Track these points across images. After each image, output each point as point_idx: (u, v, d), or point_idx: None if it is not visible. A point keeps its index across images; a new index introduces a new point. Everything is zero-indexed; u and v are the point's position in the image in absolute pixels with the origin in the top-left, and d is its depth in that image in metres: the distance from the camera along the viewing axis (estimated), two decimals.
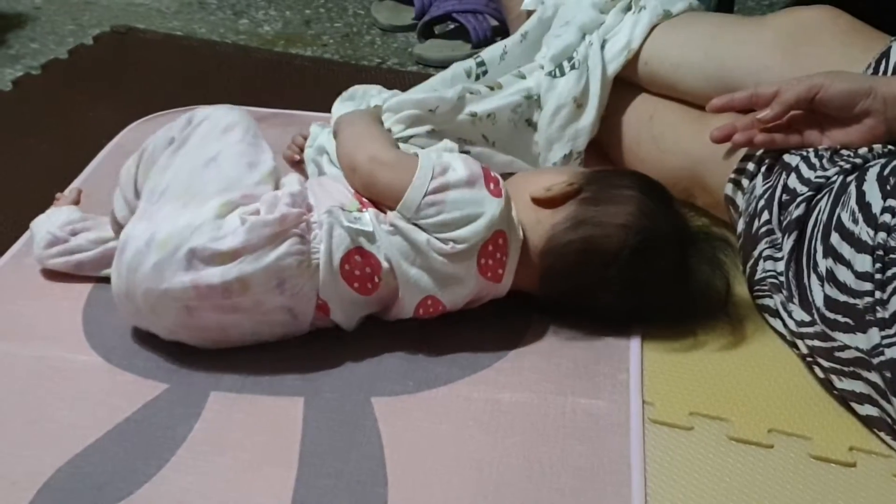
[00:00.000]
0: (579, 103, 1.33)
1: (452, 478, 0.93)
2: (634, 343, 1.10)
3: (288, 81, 1.78)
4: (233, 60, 1.87)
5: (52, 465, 0.92)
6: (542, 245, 1.07)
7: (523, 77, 1.36)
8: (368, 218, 1.03)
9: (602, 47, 1.35)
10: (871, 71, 1.15)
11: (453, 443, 0.97)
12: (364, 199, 1.06)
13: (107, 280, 1.10)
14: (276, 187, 1.05)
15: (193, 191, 1.02)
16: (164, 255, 0.97)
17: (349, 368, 1.05)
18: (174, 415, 0.99)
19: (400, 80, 1.75)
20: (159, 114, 1.57)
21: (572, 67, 1.34)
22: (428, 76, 1.80)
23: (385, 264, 1.03)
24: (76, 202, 1.27)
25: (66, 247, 1.17)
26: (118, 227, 1.12)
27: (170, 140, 1.09)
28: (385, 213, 1.04)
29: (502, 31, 1.89)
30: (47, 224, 1.18)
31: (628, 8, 1.39)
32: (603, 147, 1.45)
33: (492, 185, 1.05)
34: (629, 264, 1.05)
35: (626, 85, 1.38)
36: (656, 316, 1.11)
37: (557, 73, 1.34)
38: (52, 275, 1.18)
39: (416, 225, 1.03)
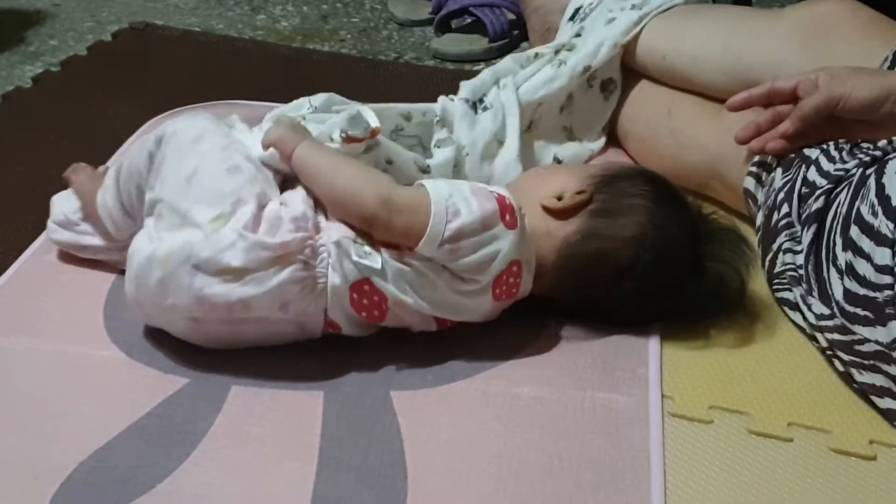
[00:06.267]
0: (499, 140, 1.35)
1: (471, 472, 0.93)
2: (653, 337, 1.10)
3: (305, 77, 1.78)
4: (250, 56, 1.87)
5: (74, 460, 0.93)
6: (554, 258, 1.06)
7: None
8: (380, 258, 1.00)
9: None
10: (888, 64, 1.15)
11: (472, 437, 0.97)
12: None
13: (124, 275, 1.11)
14: (262, 190, 1.01)
15: (183, 209, 0.99)
16: (167, 272, 0.97)
17: (368, 363, 1.06)
18: (195, 409, 0.99)
19: (417, 75, 1.76)
20: (178, 109, 1.57)
21: (484, 109, 1.36)
22: (445, 70, 1.82)
23: (394, 298, 1.01)
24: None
25: (75, 230, 1.18)
26: (112, 226, 1.13)
27: (148, 155, 1.05)
28: (399, 249, 1.00)
29: (519, 25, 1.89)
30: (64, 204, 1.20)
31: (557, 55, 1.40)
32: (620, 140, 1.45)
33: (507, 217, 1.00)
34: (644, 277, 1.05)
35: (643, 78, 1.38)
36: (672, 315, 1.11)
37: (478, 110, 1.37)
38: (73, 271, 1.19)
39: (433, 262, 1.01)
